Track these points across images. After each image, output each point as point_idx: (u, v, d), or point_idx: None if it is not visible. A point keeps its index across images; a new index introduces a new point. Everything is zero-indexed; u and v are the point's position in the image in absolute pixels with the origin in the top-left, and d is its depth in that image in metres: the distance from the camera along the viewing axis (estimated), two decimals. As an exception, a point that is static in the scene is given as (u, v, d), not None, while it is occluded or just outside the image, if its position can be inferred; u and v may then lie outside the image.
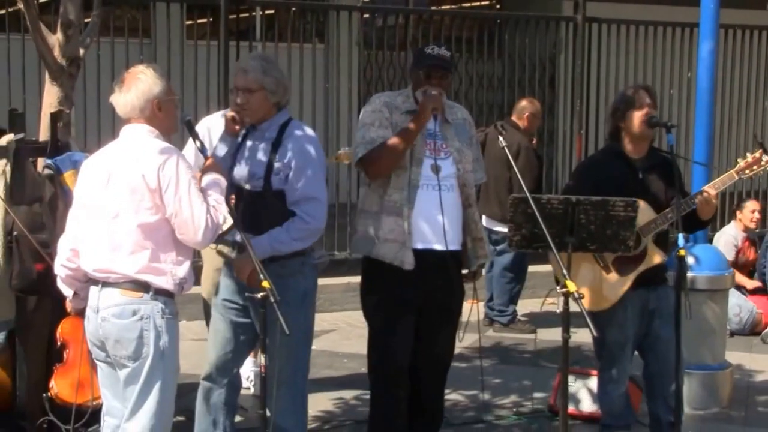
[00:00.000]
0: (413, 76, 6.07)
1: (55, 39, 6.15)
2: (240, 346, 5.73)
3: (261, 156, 5.50)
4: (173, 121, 5.13)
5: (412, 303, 5.88)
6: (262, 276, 4.87)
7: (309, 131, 5.84)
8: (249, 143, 5.56)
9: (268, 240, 5.28)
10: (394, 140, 5.77)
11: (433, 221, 5.84)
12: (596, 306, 6.24)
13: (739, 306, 9.90)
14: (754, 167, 6.22)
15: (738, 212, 10.92)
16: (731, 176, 6.23)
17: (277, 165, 5.45)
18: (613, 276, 6.24)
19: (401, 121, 5.89)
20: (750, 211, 10.84)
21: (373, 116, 5.91)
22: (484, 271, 10.13)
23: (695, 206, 6.15)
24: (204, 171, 5.08)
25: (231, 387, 5.78)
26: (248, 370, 7.18)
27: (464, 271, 6.15)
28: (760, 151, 6.22)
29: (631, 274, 6.23)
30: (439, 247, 5.87)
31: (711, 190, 6.17)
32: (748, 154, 6.28)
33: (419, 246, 5.82)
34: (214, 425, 5.68)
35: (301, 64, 11.51)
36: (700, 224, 6.47)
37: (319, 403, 7.61)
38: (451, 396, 7.59)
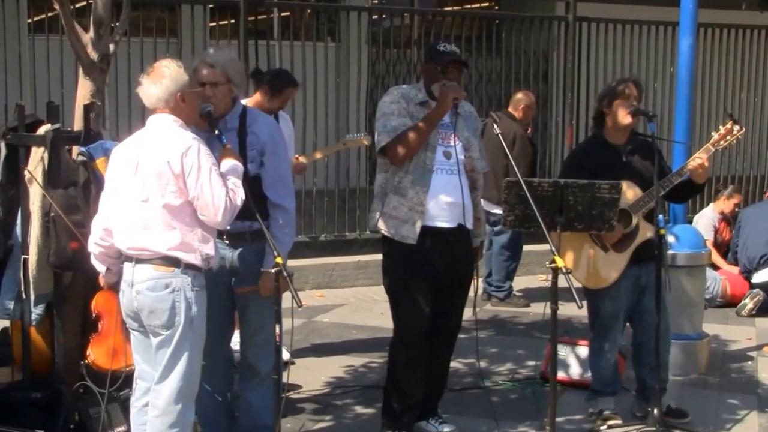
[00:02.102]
0: (427, 71, 6.10)
1: (88, 38, 6.16)
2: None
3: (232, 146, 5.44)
4: (195, 111, 5.15)
5: (429, 276, 5.91)
6: (276, 253, 4.94)
7: (269, 117, 5.88)
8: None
9: (282, 248, 5.21)
10: (418, 127, 5.83)
11: (445, 202, 5.90)
12: (599, 284, 6.28)
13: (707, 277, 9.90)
14: (728, 137, 6.26)
15: (722, 197, 10.92)
16: (708, 149, 6.25)
17: (251, 153, 5.44)
18: (612, 254, 6.27)
19: (416, 111, 5.94)
20: (734, 203, 10.86)
21: (393, 107, 5.94)
22: (483, 250, 10.20)
23: (687, 176, 6.17)
24: (222, 157, 5.10)
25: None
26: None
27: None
28: (731, 122, 6.25)
29: (628, 250, 6.26)
30: (451, 225, 5.93)
31: (703, 154, 6.18)
32: (720, 127, 6.31)
33: (434, 224, 5.88)
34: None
35: (315, 60, 11.53)
36: (694, 190, 6.52)
37: (331, 370, 7.65)
38: (452, 364, 7.59)
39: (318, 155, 8.58)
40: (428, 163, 5.88)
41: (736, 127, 6.23)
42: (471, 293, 6.15)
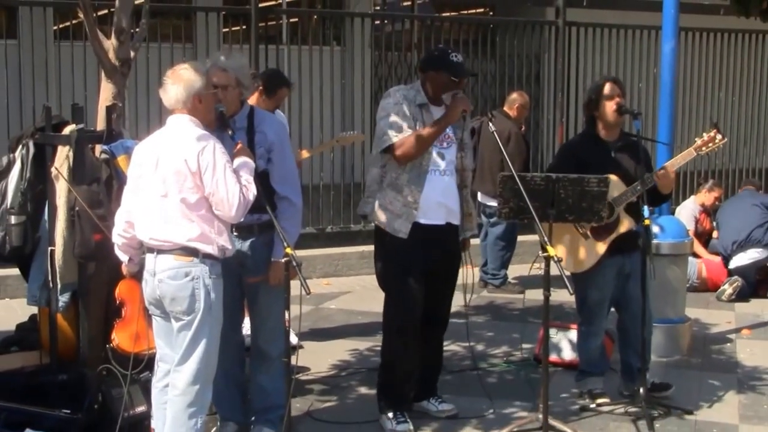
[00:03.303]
0: (435, 78, 5.98)
1: (110, 44, 6.17)
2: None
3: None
4: (211, 112, 5.16)
5: (418, 269, 5.90)
6: (285, 244, 4.97)
7: (275, 117, 5.88)
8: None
9: (289, 239, 5.18)
10: (426, 131, 5.82)
11: (436, 201, 5.91)
12: (578, 268, 6.30)
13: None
14: (710, 144, 6.26)
15: (703, 190, 10.93)
16: (690, 153, 6.27)
17: (259, 150, 5.44)
18: (592, 242, 6.28)
19: (415, 112, 5.91)
20: (714, 197, 10.88)
21: (395, 108, 5.91)
22: (479, 240, 10.21)
23: (655, 182, 6.18)
24: (235, 155, 5.11)
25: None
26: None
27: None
28: (714, 130, 6.26)
29: (607, 239, 6.28)
30: (440, 222, 5.95)
31: (669, 167, 6.21)
32: (704, 134, 6.30)
33: (425, 221, 5.88)
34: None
35: (321, 63, 11.51)
36: (662, 198, 6.50)
37: (337, 354, 7.66)
38: (450, 347, 7.61)
39: (307, 153, 8.51)
40: (424, 164, 5.88)
41: (719, 136, 6.23)
42: (469, 281, 6.16)
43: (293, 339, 7.67)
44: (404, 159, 5.86)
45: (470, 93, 12.83)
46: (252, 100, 7.23)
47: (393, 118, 5.89)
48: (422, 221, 5.87)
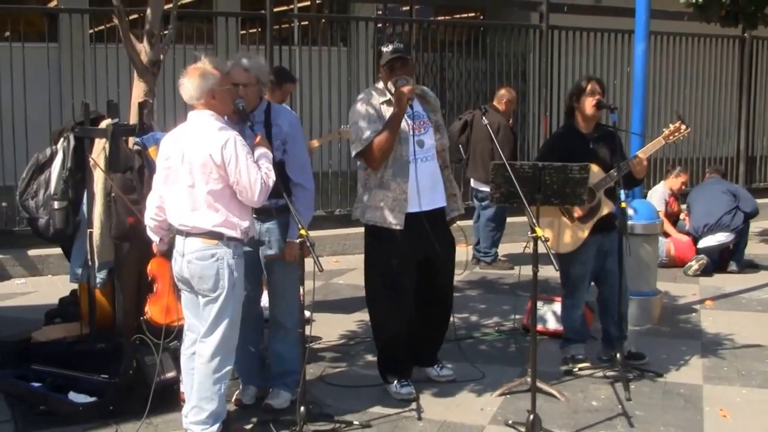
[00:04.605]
0: (381, 70, 5.85)
1: (142, 46, 6.14)
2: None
3: None
4: (228, 106, 5.10)
5: (414, 255, 5.83)
6: (300, 226, 4.95)
7: (290, 112, 5.84)
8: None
9: (303, 221, 5.14)
10: (382, 135, 5.66)
11: (424, 188, 5.79)
12: (565, 249, 6.29)
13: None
14: (676, 134, 6.27)
15: (671, 176, 10.94)
16: (659, 142, 6.28)
17: (276, 142, 5.40)
18: (577, 225, 6.27)
19: (383, 110, 5.76)
20: (681, 181, 10.90)
21: (361, 116, 5.77)
22: (472, 221, 10.20)
23: (630, 169, 6.18)
24: (255, 146, 5.08)
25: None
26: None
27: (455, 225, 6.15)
28: (679, 121, 6.26)
29: (590, 222, 6.27)
30: (430, 207, 5.84)
31: (642, 155, 6.22)
32: (670, 124, 6.31)
33: (416, 209, 5.76)
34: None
35: (329, 63, 11.49)
36: (635, 182, 6.51)
37: (345, 325, 7.65)
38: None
39: (317, 143, 8.46)
40: (404, 155, 5.74)
41: (683, 127, 6.25)
42: (462, 259, 6.12)
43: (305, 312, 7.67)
44: (375, 164, 5.74)
45: (464, 88, 12.83)
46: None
47: (359, 126, 5.75)
48: (413, 210, 5.76)
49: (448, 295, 6.18)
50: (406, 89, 5.61)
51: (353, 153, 5.83)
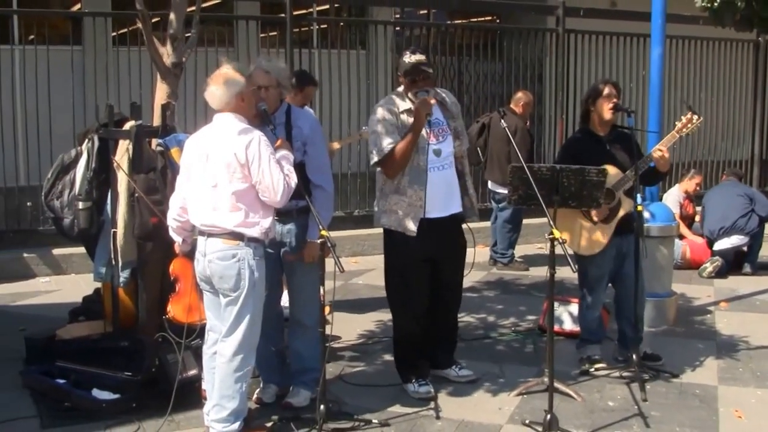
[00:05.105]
0: (402, 80, 5.83)
1: (164, 49, 6.17)
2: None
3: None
4: (253, 108, 5.14)
5: (427, 259, 5.84)
6: (321, 226, 4.98)
7: (310, 114, 5.83)
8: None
9: (323, 222, 5.17)
10: (401, 146, 5.65)
11: (440, 195, 5.78)
12: (589, 251, 6.27)
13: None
14: (689, 125, 6.25)
15: (685, 179, 10.91)
16: (673, 136, 6.26)
17: (296, 144, 5.39)
18: (600, 226, 6.26)
19: (403, 118, 5.75)
20: (695, 183, 10.86)
21: (380, 125, 5.75)
22: (489, 223, 10.20)
23: (654, 164, 6.16)
24: (277, 148, 5.09)
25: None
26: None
27: (473, 225, 6.14)
28: (690, 113, 6.24)
29: (612, 222, 6.25)
30: (444, 214, 5.83)
31: (663, 147, 6.18)
32: (682, 117, 6.29)
33: (431, 215, 5.75)
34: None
35: (348, 65, 11.51)
36: (659, 177, 6.52)
37: (363, 325, 7.66)
38: (465, 318, 7.61)
39: (338, 145, 8.47)
40: (422, 164, 5.73)
41: (695, 117, 6.23)
42: (480, 260, 6.12)
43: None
44: (392, 174, 5.75)
45: (480, 91, 12.82)
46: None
47: (378, 136, 5.74)
48: (428, 216, 5.75)
49: (456, 296, 6.20)
50: (425, 106, 5.60)
51: (371, 162, 5.85)
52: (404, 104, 5.81)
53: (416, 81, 5.75)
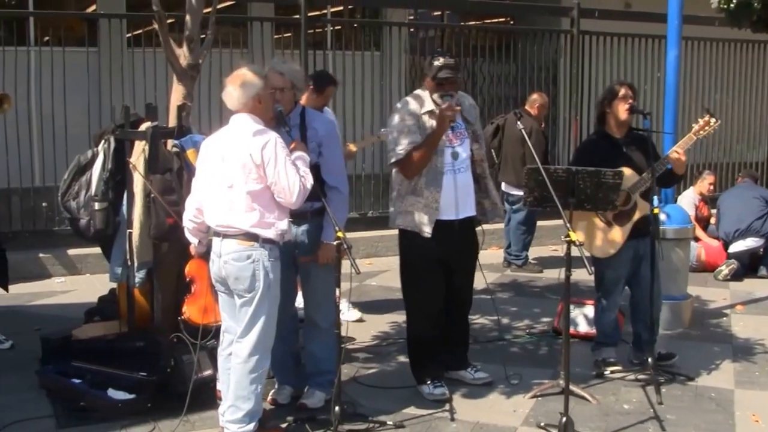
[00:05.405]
0: (428, 82, 5.84)
1: (181, 51, 6.16)
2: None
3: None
4: (270, 110, 5.14)
5: (441, 260, 5.84)
6: (337, 228, 4.98)
7: (325, 115, 5.82)
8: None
9: (339, 221, 5.19)
10: (420, 151, 5.67)
11: (455, 198, 5.79)
12: (605, 253, 6.25)
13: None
14: (706, 128, 6.24)
15: (698, 180, 10.89)
16: (690, 138, 6.25)
17: (311, 145, 5.39)
18: (616, 228, 6.24)
19: (424, 120, 5.76)
20: (708, 183, 10.83)
21: (401, 125, 5.75)
22: (503, 225, 10.18)
23: (670, 166, 6.14)
24: (292, 149, 5.09)
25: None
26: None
27: (485, 226, 6.16)
28: (708, 115, 6.22)
29: (628, 224, 6.24)
30: (458, 217, 5.84)
31: (680, 149, 6.16)
32: (699, 119, 6.28)
33: (445, 217, 5.78)
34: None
35: (362, 67, 11.51)
36: (675, 179, 6.48)
37: (378, 326, 7.66)
38: (479, 320, 7.60)
39: (355, 147, 8.46)
40: (439, 166, 5.75)
41: (713, 120, 6.21)
42: (495, 261, 6.12)
43: (357, 314, 7.65)
44: (410, 175, 5.76)
45: (494, 93, 12.80)
46: (303, 98, 7.22)
47: (398, 136, 5.75)
48: (443, 218, 5.78)
49: (468, 298, 6.20)
50: (450, 112, 5.61)
51: (389, 162, 5.85)
52: (427, 105, 5.81)
53: (443, 84, 5.77)
